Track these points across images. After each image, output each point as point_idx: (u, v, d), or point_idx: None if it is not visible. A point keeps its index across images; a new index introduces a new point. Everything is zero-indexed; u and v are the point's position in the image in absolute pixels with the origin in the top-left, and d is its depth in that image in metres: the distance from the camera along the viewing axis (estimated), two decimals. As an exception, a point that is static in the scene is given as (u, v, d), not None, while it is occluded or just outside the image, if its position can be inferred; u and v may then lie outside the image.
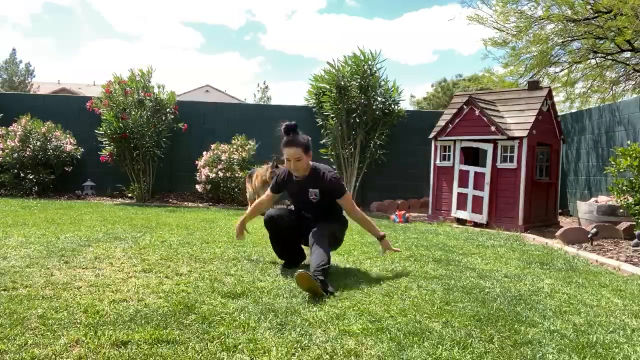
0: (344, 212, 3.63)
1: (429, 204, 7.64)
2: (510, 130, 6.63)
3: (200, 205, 8.69)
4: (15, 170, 8.78)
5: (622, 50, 9.15)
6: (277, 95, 76.97)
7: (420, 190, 9.22)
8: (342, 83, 8.53)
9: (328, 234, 3.35)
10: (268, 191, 3.76)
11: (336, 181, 3.45)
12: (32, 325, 2.15)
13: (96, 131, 8.80)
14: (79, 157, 9.23)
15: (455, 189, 7.07)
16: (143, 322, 2.24)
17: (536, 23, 9.38)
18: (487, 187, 6.74)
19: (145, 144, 8.70)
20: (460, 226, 6.78)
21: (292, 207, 3.76)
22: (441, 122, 7.41)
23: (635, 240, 4.87)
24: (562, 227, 6.11)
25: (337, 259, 3.91)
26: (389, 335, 2.17)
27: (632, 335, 2.34)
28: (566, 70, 10.33)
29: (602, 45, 9.33)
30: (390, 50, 71.01)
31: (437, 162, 7.35)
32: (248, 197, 7.80)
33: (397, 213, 7.28)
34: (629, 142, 6.26)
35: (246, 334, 2.15)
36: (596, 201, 6.56)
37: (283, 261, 3.62)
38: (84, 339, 2.02)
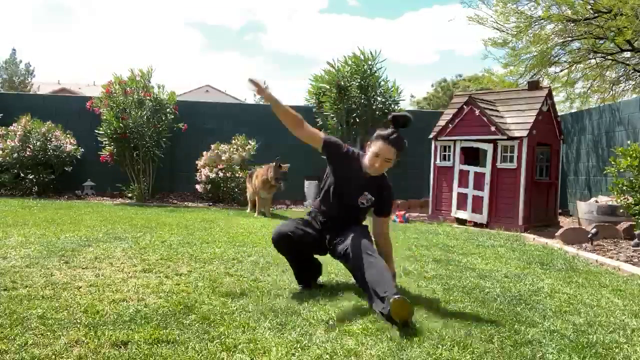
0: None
1: (429, 204, 7.64)
2: (510, 130, 6.63)
3: (200, 205, 8.69)
4: (15, 170, 8.77)
5: (622, 50, 9.14)
6: (277, 95, 76.49)
7: (420, 190, 9.22)
8: (342, 83, 8.53)
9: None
10: (319, 133, 3.00)
11: (392, 198, 3.00)
12: (32, 325, 2.15)
13: (96, 131, 8.80)
14: (79, 157, 9.22)
15: (455, 189, 7.07)
16: (143, 322, 2.23)
17: (536, 23, 9.37)
18: (487, 187, 6.74)
19: (145, 144, 8.69)
20: (460, 226, 6.78)
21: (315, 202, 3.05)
22: (441, 122, 7.41)
23: (635, 240, 4.87)
24: (562, 227, 6.11)
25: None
26: (389, 335, 2.17)
27: (632, 335, 2.34)
28: (566, 70, 10.32)
29: (602, 45, 9.32)
30: (391, 50, 71.17)
31: (437, 162, 7.35)
32: (248, 197, 7.80)
33: (397, 213, 7.28)
34: (629, 142, 6.26)
35: (246, 334, 2.15)
36: (596, 201, 6.55)
37: (301, 284, 2.95)
38: (84, 339, 2.02)
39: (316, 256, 3.07)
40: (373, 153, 2.80)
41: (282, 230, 2.82)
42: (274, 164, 6.85)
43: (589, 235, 5.14)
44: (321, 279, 3.16)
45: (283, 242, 2.82)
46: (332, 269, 3.47)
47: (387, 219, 2.98)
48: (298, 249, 2.87)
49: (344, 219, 2.91)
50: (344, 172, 2.89)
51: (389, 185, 2.94)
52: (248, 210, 7.64)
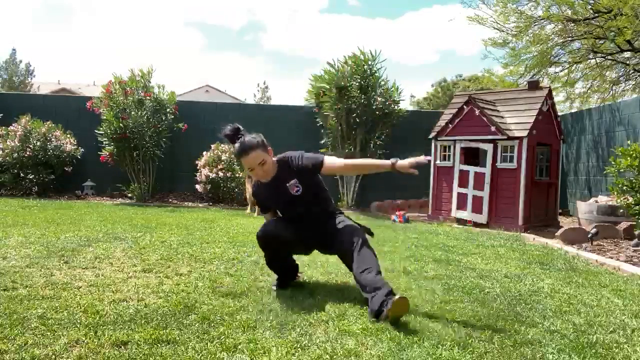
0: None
1: (429, 204, 7.64)
2: (510, 130, 6.63)
3: (200, 205, 8.69)
4: (15, 170, 8.77)
5: (622, 50, 9.14)
6: (277, 95, 77.06)
7: (420, 190, 9.21)
8: (342, 83, 8.53)
9: (359, 228, 2.81)
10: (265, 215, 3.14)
11: (307, 156, 2.85)
12: (32, 325, 2.15)
13: (96, 131, 8.80)
14: (79, 157, 9.23)
15: (455, 189, 7.07)
16: (143, 322, 2.23)
17: (536, 23, 9.38)
18: (487, 187, 6.74)
19: (145, 144, 8.69)
20: (460, 226, 6.78)
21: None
22: (441, 122, 7.41)
23: (635, 240, 4.87)
24: (562, 227, 6.11)
25: (337, 259, 3.90)
26: (389, 335, 2.17)
27: (632, 335, 2.34)
28: (566, 70, 10.32)
29: (602, 45, 9.32)
30: (392, 50, 71.15)
31: (437, 162, 7.35)
32: (248, 197, 7.80)
33: (397, 213, 7.28)
34: (629, 142, 6.25)
35: (246, 334, 2.15)
36: (596, 201, 6.55)
37: (277, 281, 2.98)
38: (84, 339, 2.02)
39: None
40: (248, 171, 2.89)
41: (267, 230, 2.85)
42: None
43: (589, 235, 5.14)
44: (321, 279, 3.17)
45: (268, 239, 2.85)
46: (332, 269, 3.47)
47: (328, 164, 2.80)
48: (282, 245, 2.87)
49: (306, 211, 2.89)
50: (266, 197, 2.98)
51: (291, 160, 2.85)
52: (248, 211, 7.64)
